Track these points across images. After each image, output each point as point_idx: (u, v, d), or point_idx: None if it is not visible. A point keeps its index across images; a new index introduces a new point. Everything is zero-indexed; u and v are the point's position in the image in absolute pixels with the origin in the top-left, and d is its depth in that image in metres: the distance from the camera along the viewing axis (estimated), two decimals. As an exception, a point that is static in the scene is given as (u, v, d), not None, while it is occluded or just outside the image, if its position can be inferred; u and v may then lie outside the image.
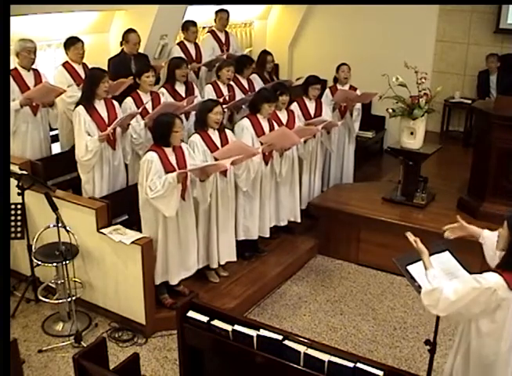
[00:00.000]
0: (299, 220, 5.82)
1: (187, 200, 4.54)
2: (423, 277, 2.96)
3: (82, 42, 5.62)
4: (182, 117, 5.77)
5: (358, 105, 6.43)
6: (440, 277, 2.90)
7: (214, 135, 4.81)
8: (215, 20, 7.22)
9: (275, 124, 5.35)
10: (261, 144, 5.08)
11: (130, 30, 6.09)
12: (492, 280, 2.73)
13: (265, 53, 6.99)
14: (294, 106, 5.94)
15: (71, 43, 5.58)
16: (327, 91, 6.45)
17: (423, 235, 5.25)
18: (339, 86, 6.43)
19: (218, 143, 4.80)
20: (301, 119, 5.89)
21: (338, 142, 6.44)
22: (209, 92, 5.96)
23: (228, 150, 4.63)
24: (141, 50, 6.28)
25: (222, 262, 5.06)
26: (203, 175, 4.45)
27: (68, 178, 5.37)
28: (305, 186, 6.07)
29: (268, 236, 5.52)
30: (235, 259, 5.14)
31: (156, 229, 4.47)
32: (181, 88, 5.84)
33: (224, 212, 4.92)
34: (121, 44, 6.14)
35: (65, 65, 5.62)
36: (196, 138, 4.74)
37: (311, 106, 6.00)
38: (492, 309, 2.74)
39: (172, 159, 4.40)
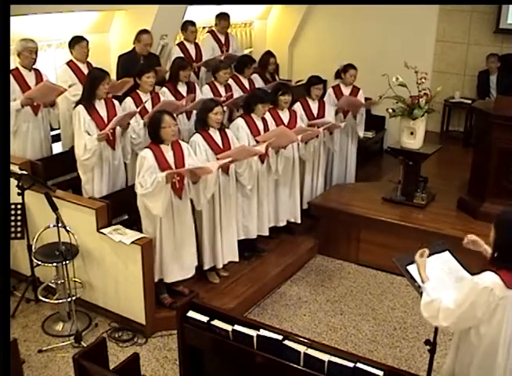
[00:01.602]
0: (299, 221, 5.82)
1: (184, 199, 4.53)
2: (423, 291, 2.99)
3: (87, 41, 5.65)
4: (184, 116, 5.79)
5: (362, 109, 6.43)
6: (438, 289, 2.89)
7: (215, 135, 4.81)
8: (216, 24, 7.21)
9: (269, 122, 5.36)
10: (257, 142, 5.08)
11: (143, 31, 6.12)
12: (488, 279, 2.72)
13: (267, 54, 6.97)
14: (297, 106, 5.95)
15: (76, 41, 5.60)
16: (330, 90, 6.44)
17: (423, 235, 5.30)
18: (342, 86, 6.41)
19: (220, 142, 4.80)
20: (304, 119, 5.90)
21: (341, 142, 6.44)
22: (206, 93, 5.95)
23: (233, 154, 4.64)
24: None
25: (225, 262, 5.06)
26: (193, 176, 4.45)
27: (68, 178, 5.37)
28: (308, 187, 6.08)
29: (267, 234, 5.52)
30: (237, 259, 5.14)
31: (154, 227, 4.47)
32: (183, 89, 5.84)
33: (226, 211, 4.92)
34: (134, 42, 6.15)
35: (69, 64, 5.64)
36: (198, 138, 4.74)
37: (314, 107, 6.01)
38: (493, 309, 2.73)
39: (169, 156, 4.41)
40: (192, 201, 4.66)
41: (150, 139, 4.50)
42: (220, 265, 5.02)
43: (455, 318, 2.78)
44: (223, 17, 7.18)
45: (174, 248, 4.58)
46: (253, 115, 5.24)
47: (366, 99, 6.55)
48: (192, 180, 4.48)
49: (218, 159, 4.67)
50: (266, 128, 5.28)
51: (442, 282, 3.15)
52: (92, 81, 4.90)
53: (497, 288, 2.70)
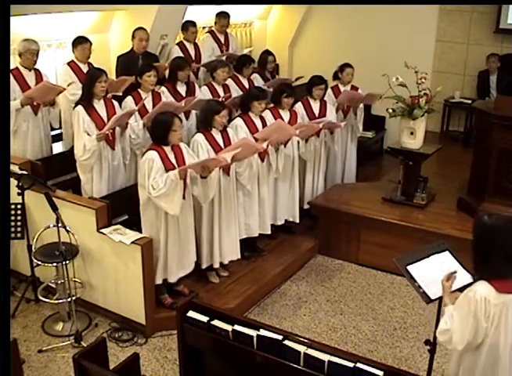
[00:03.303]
0: (297, 220, 5.82)
1: (187, 199, 4.54)
2: (432, 291, 2.99)
3: (90, 43, 5.67)
4: (182, 116, 5.78)
5: (361, 105, 6.43)
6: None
7: (217, 135, 4.81)
8: (215, 23, 7.22)
9: (268, 121, 5.36)
10: (256, 140, 5.08)
11: (138, 28, 6.13)
12: (480, 289, 2.73)
13: (266, 53, 7.01)
14: (299, 106, 5.95)
15: (79, 42, 5.62)
16: (329, 91, 6.42)
17: (423, 235, 5.30)
18: (340, 86, 6.42)
19: (221, 143, 4.81)
20: (305, 119, 5.89)
21: (341, 142, 6.43)
22: (205, 94, 5.96)
23: (234, 149, 4.64)
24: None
25: (226, 262, 5.06)
26: (205, 170, 4.43)
27: (68, 178, 5.37)
28: (309, 186, 6.08)
29: (269, 232, 5.53)
30: (239, 256, 5.13)
31: (157, 230, 4.46)
32: (182, 89, 5.84)
33: (227, 211, 4.92)
34: (132, 42, 6.17)
35: (70, 64, 5.65)
36: (200, 137, 4.74)
37: (315, 106, 6.00)
38: (492, 316, 2.73)
39: (172, 157, 4.41)
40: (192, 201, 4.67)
41: (153, 141, 4.48)
42: (216, 265, 5.01)
43: (466, 337, 2.77)
44: (222, 15, 7.19)
45: (178, 248, 4.58)
46: (250, 114, 5.25)
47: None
48: (202, 174, 4.46)
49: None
50: (264, 126, 5.28)
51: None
52: (89, 79, 4.92)
53: (490, 296, 2.70)
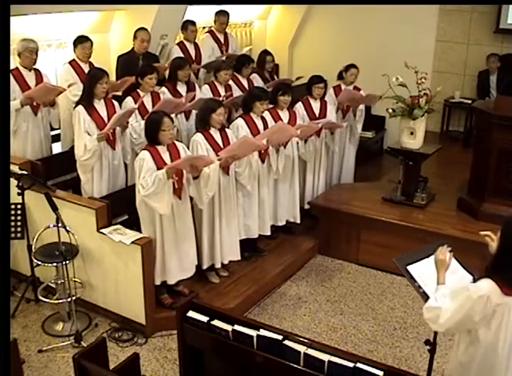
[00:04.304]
0: (298, 221, 5.82)
1: (183, 200, 4.52)
2: (432, 290, 2.97)
3: (91, 42, 5.68)
4: (182, 116, 5.79)
5: (362, 105, 6.42)
6: (447, 297, 2.88)
7: (216, 135, 4.81)
8: (215, 22, 7.23)
9: (269, 122, 5.36)
10: None
11: (140, 28, 6.14)
12: (485, 286, 2.71)
13: (264, 53, 7.01)
14: (299, 106, 5.94)
15: (80, 41, 5.64)
16: (331, 90, 6.42)
17: (423, 235, 5.30)
18: (343, 86, 6.41)
19: (220, 142, 4.80)
20: (306, 119, 5.89)
21: (340, 142, 6.43)
22: (206, 93, 5.96)
23: (236, 148, 4.63)
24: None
25: (226, 262, 5.06)
26: (194, 170, 4.41)
27: (68, 178, 5.37)
28: (309, 187, 6.08)
29: (268, 233, 5.53)
30: (239, 258, 5.13)
31: (153, 230, 4.47)
32: (182, 89, 5.84)
33: (227, 211, 4.92)
34: (133, 42, 6.17)
35: (71, 63, 5.67)
36: (199, 137, 4.74)
37: (315, 106, 6.00)
38: (490, 314, 2.73)
39: (166, 157, 4.39)
40: (191, 201, 4.67)
41: (147, 140, 4.47)
42: (218, 265, 5.01)
43: (452, 324, 2.79)
44: (222, 14, 7.19)
45: (176, 249, 4.58)
46: (252, 114, 5.24)
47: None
48: (192, 174, 4.45)
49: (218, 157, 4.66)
50: (266, 128, 5.28)
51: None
52: (90, 80, 4.92)
53: (493, 294, 2.69)
